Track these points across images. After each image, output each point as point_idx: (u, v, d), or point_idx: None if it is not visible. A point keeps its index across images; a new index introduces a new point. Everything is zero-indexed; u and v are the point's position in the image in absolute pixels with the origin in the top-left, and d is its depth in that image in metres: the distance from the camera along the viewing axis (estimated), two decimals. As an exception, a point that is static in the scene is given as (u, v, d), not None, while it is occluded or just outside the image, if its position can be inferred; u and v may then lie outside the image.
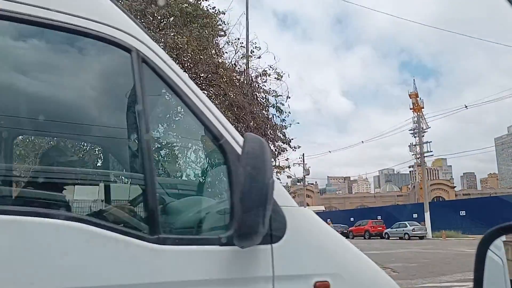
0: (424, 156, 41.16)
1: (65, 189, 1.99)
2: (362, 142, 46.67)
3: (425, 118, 45.90)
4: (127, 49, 1.38)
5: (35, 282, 1.12)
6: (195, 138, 1.65)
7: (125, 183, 1.95)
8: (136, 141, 1.37)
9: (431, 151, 41.57)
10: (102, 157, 2.33)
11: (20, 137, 2.22)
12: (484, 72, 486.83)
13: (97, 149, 2.40)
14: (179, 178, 2.40)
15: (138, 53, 1.39)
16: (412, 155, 43.80)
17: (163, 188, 1.85)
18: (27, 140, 2.40)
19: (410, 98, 57.56)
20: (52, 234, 1.16)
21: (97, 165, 2.34)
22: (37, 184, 1.93)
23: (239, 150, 1.41)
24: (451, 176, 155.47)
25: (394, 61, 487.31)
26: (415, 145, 43.12)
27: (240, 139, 1.45)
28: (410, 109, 55.00)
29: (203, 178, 2.00)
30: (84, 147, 2.38)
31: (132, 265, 1.24)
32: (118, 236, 1.23)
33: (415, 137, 42.80)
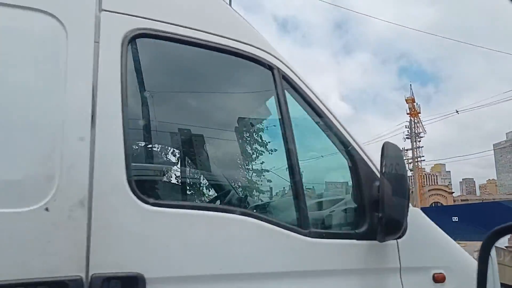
0: (416, 161, 41.08)
1: (242, 189, 2.50)
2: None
3: (422, 123, 45.88)
4: (270, 67, 1.59)
5: (223, 267, 1.33)
6: (327, 146, 1.86)
7: (283, 187, 2.24)
8: (291, 151, 1.56)
9: (422, 156, 41.57)
10: (264, 166, 2.77)
11: (200, 146, 2.56)
12: (486, 78, 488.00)
13: (259, 159, 2.81)
14: (320, 182, 2.76)
15: (279, 70, 1.60)
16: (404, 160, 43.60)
17: (309, 190, 2.17)
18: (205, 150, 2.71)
19: (407, 103, 57.39)
20: (233, 227, 1.37)
21: (260, 172, 2.74)
22: (220, 185, 2.41)
23: (364, 157, 1.65)
24: (450, 182, 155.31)
25: (393, 66, 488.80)
26: (407, 150, 42.97)
27: (364, 147, 1.69)
28: (407, 113, 54.78)
29: (340, 181, 2.31)
30: (247, 157, 2.75)
31: (291, 255, 1.44)
32: (281, 230, 1.44)
33: (412, 142, 42.69)
